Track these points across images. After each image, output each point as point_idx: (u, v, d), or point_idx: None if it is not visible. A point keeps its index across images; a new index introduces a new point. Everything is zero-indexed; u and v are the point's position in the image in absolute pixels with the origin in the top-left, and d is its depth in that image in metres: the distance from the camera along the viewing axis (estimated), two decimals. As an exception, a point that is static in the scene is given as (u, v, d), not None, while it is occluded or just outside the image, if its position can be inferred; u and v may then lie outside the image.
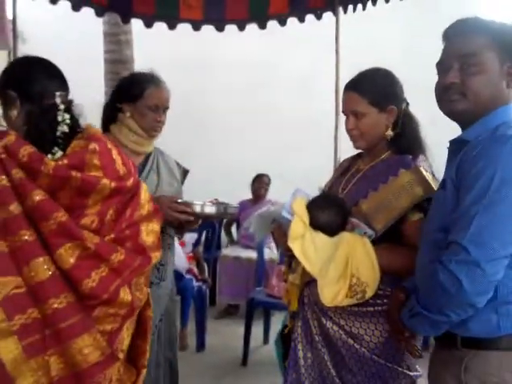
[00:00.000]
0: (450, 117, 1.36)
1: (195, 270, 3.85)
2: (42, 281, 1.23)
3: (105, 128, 1.98)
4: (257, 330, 3.60)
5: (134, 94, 1.92)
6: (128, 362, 1.44)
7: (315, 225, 1.59)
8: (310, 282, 1.67)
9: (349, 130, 1.69)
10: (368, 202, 1.61)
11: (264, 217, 1.78)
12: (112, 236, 1.35)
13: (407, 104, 1.70)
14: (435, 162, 1.67)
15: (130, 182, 1.41)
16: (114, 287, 1.30)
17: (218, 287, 4.33)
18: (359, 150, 1.79)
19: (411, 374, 1.63)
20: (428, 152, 1.67)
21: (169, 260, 1.99)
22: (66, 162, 1.30)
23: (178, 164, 2.11)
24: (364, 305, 1.57)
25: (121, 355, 1.37)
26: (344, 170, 1.83)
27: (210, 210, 1.88)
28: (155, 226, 1.46)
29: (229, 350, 3.58)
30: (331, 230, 1.59)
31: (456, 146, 1.34)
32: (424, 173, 1.58)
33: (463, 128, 1.36)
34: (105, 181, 1.33)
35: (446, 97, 1.33)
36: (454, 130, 1.41)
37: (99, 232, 1.32)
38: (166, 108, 1.97)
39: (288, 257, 1.80)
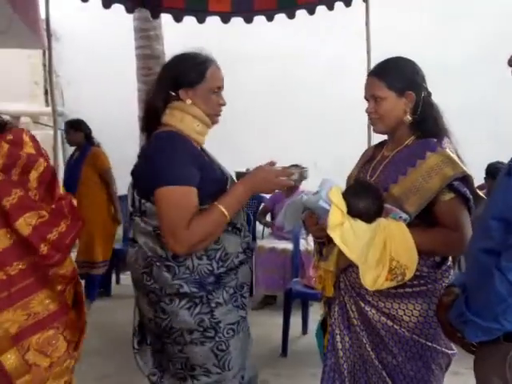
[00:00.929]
0: None
1: (232, 261, 3.87)
2: (6, 247, 1.45)
3: (152, 122, 1.70)
4: (295, 320, 3.60)
5: (194, 77, 1.67)
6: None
7: (353, 212, 1.63)
8: (346, 268, 1.72)
9: (369, 114, 1.76)
10: (399, 187, 1.65)
11: (295, 206, 1.79)
12: (53, 206, 1.55)
13: (428, 93, 1.75)
14: (461, 147, 1.71)
15: (51, 163, 1.61)
16: (64, 246, 1.53)
17: (254, 278, 4.35)
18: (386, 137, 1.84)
19: (449, 352, 1.67)
20: (452, 136, 1.72)
21: None
22: (10, 137, 1.49)
23: None
24: (401, 286, 1.62)
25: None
26: (369, 158, 1.88)
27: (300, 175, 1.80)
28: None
29: (268, 340, 3.60)
30: (368, 217, 1.63)
31: None
32: (451, 154, 1.63)
33: None
34: (41, 159, 1.53)
35: None
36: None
37: (42, 203, 1.53)
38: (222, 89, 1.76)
39: (318, 244, 1.86)
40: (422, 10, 5.10)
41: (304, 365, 3.20)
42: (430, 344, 1.63)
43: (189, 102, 1.66)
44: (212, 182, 1.63)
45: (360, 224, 1.62)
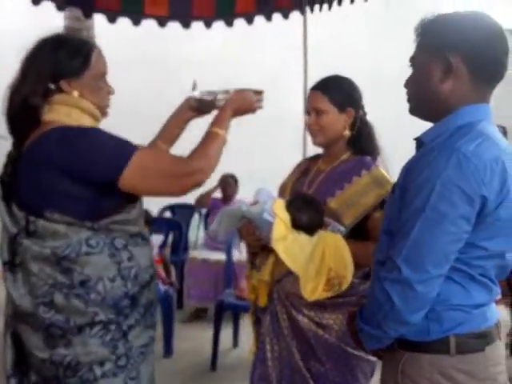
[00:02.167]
0: None
1: (162, 273, 3.75)
2: None
3: (27, 122, 1.39)
4: (226, 333, 3.53)
5: (78, 64, 1.41)
6: None
7: (296, 226, 1.68)
8: (280, 278, 1.77)
9: (309, 126, 1.83)
10: (336, 201, 1.74)
11: (232, 215, 1.79)
12: None
13: (364, 112, 1.85)
14: (391, 164, 1.80)
15: None
16: None
17: (185, 290, 4.24)
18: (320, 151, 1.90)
19: (372, 359, 1.75)
20: (383, 153, 1.83)
21: None
22: None
23: None
24: (334, 297, 1.68)
25: None
26: (304, 170, 1.94)
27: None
28: None
29: (197, 354, 3.50)
30: (311, 230, 1.69)
31: (417, 145, 1.30)
32: (384, 173, 1.76)
33: None
34: None
35: None
36: (420, 126, 1.37)
37: None
38: None
39: (251, 254, 1.89)
40: (360, 24, 5.28)
41: (234, 379, 3.13)
42: (356, 353, 1.70)
43: (76, 93, 1.40)
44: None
45: (303, 237, 1.67)
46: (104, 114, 1.49)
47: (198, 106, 1.74)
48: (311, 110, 1.82)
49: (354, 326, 1.32)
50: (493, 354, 1.23)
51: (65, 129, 1.37)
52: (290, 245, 1.64)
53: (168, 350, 3.51)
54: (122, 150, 1.37)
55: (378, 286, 1.19)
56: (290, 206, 1.69)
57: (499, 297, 2.76)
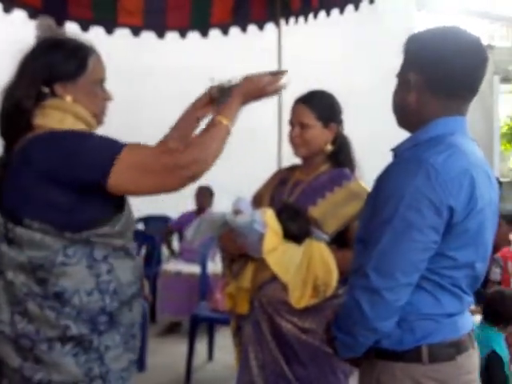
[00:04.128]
0: None
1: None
2: None
3: (16, 126, 1.34)
4: (200, 346, 3.48)
5: (74, 67, 1.35)
6: None
7: (287, 236, 1.72)
8: (263, 285, 1.80)
9: (293, 138, 1.86)
10: (318, 209, 1.79)
11: (213, 222, 1.78)
12: None
13: (342, 126, 1.92)
14: (363, 176, 1.88)
15: None
16: None
17: (158, 304, 4.16)
18: (296, 162, 1.95)
19: None
20: (359, 167, 1.90)
21: None
22: None
23: None
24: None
25: None
26: (281, 180, 1.97)
27: None
28: None
29: (171, 369, 3.43)
30: (300, 239, 1.74)
31: (393, 157, 1.32)
32: (363, 184, 1.83)
33: None
34: None
35: None
36: (393, 139, 1.37)
37: None
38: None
39: (229, 261, 1.92)
40: (331, 37, 5.37)
41: (209, 393, 3.09)
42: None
43: (69, 98, 1.35)
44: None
45: (292, 247, 1.72)
46: (100, 121, 1.44)
47: (219, 95, 1.64)
48: (296, 122, 1.85)
49: (330, 334, 1.32)
50: (465, 363, 1.24)
51: (52, 133, 1.32)
52: (280, 256, 1.69)
53: (141, 365, 3.41)
54: (107, 149, 1.30)
55: (349, 294, 1.22)
56: (281, 216, 1.73)
57: (472, 307, 2.80)
